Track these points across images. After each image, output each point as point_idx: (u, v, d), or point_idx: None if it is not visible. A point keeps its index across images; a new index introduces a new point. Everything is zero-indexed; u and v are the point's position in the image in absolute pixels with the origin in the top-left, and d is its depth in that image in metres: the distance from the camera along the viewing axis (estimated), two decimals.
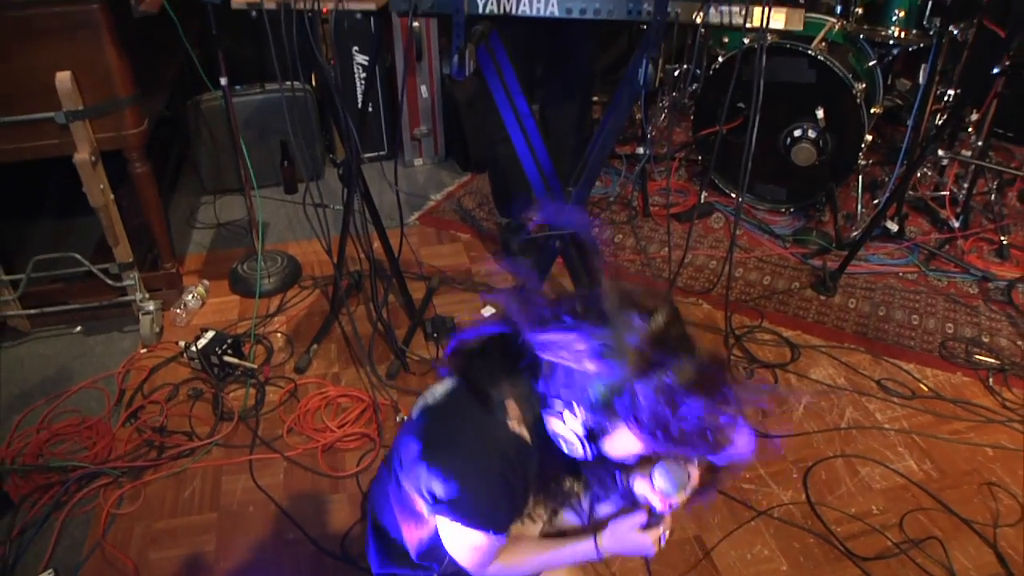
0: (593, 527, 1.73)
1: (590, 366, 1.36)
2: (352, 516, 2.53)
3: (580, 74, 3.41)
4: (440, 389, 1.62)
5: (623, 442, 1.41)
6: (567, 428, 1.42)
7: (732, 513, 2.56)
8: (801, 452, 2.77)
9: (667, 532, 1.63)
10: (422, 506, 1.55)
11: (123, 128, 3.04)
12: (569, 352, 1.38)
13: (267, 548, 2.45)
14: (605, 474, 1.65)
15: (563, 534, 1.77)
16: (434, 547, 1.66)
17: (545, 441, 1.50)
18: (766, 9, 2.07)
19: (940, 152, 3.89)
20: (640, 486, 1.58)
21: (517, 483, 1.53)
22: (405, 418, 2.80)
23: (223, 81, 3.22)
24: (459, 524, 1.50)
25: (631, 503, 1.68)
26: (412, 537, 1.70)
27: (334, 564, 2.40)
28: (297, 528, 2.49)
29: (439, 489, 1.48)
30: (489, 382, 1.52)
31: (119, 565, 2.39)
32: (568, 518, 1.76)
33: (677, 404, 1.32)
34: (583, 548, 1.67)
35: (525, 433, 1.51)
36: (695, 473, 1.59)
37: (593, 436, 1.41)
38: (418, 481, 1.52)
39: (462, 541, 1.55)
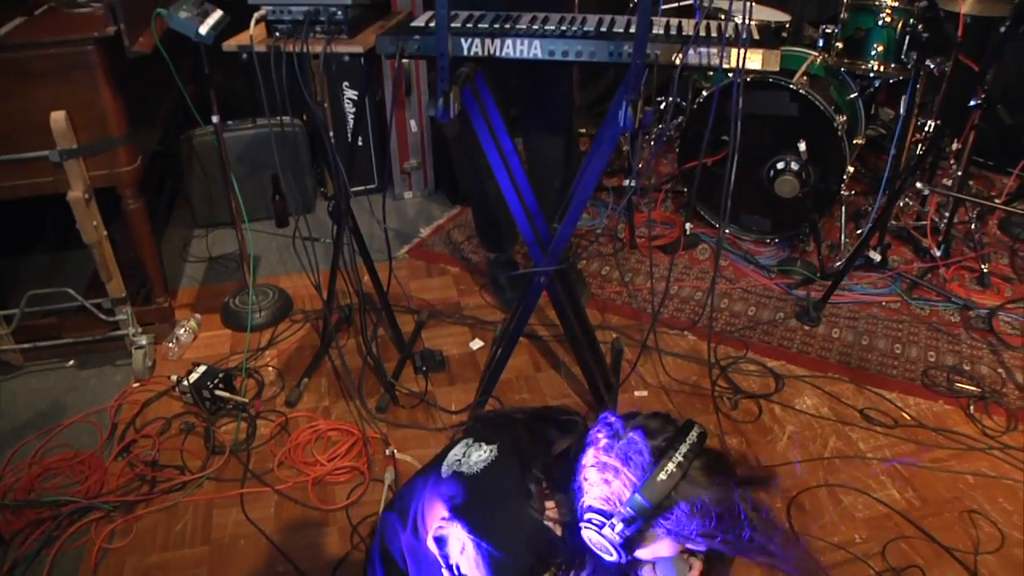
0: None
1: (629, 483, 1.48)
2: (342, 548, 2.55)
3: (559, 112, 3.45)
4: (476, 458, 1.68)
5: (657, 549, 1.52)
6: (603, 540, 1.50)
7: None
8: (785, 482, 2.80)
9: None
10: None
11: (116, 166, 3.08)
12: (616, 472, 1.49)
13: None
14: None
15: None
16: None
17: (575, 541, 1.58)
18: (743, 51, 2.13)
19: (919, 185, 3.95)
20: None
21: (541, 571, 1.60)
22: (396, 453, 2.85)
23: (215, 119, 3.27)
24: None
25: None
26: None
27: None
28: (288, 561, 2.52)
29: (467, 569, 1.54)
30: (534, 477, 1.62)
31: None
32: None
33: (717, 516, 1.45)
34: None
35: (558, 530, 1.60)
36: (697, 566, 1.66)
37: (629, 546, 1.49)
38: (444, 548, 1.57)
39: None
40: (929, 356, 3.43)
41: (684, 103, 4.77)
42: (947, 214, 4.01)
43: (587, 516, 1.51)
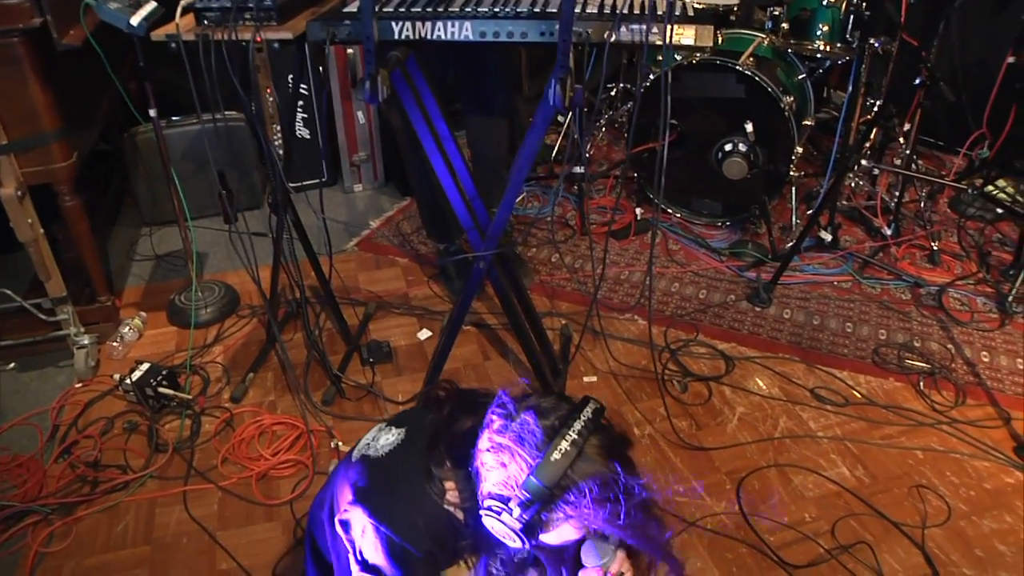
0: None
1: (525, 465, 1.42)
2: (285, 544, 2.51)
3: (500, 103, 3.40)
4: (383, 441, 1.65)
5: (563, 533, 1.46)
6: (504, 527, 1.45)
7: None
8: (734, 463, 2.80)
9: None
10: (352, 562, 1.57)
11: (51, 162, 3.01)
12: (511, 454, 1.44)
13: None
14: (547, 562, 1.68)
15: None
16: None
17: (479, 527, 1.53)
18: (670, 28, 2.10)
19: (865, 163, 3.95)
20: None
21: (445, 560, 1.57)
22: (340, 445, 2.81)
23: (152, 113, 3.20)
24: None
25: None
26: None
27: None
28: (230, 558, 2.47)
29: (368, 553, 1.50)
30: (436, 461, 1.57)
31: None
32: None
33: (616, 496, 1.40)
34: None
35: (459, 515, 1.56)
36: (621, 554, 1.62)
37: (531, 531, 1.44)
38: (349, 532, 1.54)
39: None
40: (880, 334, 3.43)
41: (633, 88, 4.77)
42: (897, 194, 4.02)
43: (486, 503, 1.46)
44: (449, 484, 1.56)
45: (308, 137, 4.63)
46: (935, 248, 3.91)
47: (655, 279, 3.79)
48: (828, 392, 3.10)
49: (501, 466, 1.44)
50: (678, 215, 4.26)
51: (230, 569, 2.45)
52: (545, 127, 2.34)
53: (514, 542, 1.46)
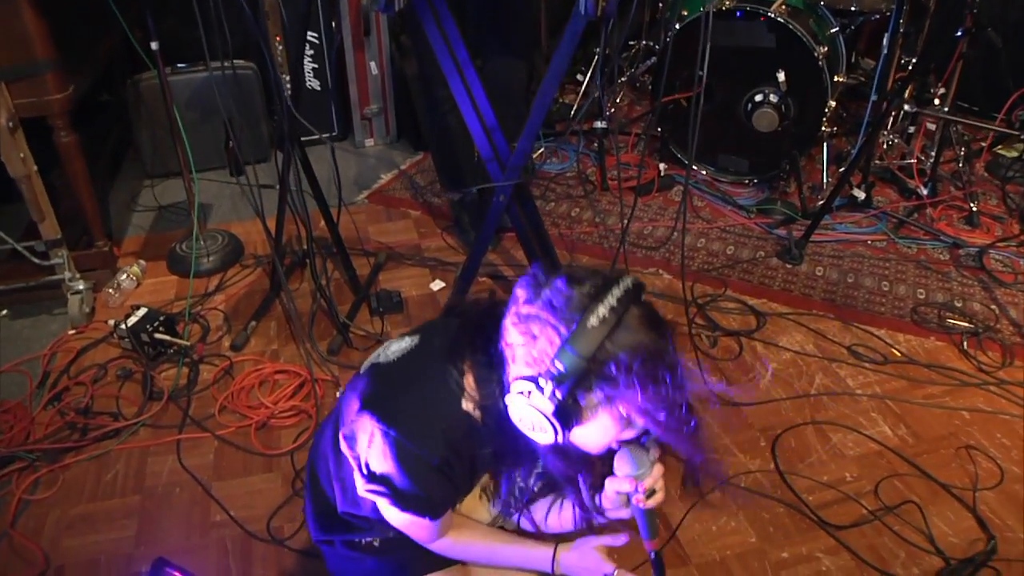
0: (555, 539, 1.58)
1: (556, 335, 1.22)
2: (284, 495, 2.35)
3: (520, 37, 3.22)
4: (395, 347, 1.46)
5: (599, 428, 1.26)
6: (534, 413, 1.24)
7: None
8: (769, 420, 2.62)
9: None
10: (358, 478, 1.38)
11: (45, 93, 2.86)
12: (541, 324, 1.23)
13: (193, 531, 2.26)
14: (563, 476, 1.46)
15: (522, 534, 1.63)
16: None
17: (501, 431, 1.34)
18: None
19: (908, 108, 3.74)
20: (610, 484, 1.43)
21: (462, 470, 1.37)
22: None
23: (154, 46, 3.02)
24: (392, 506, 1.36)
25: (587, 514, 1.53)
26: (351, 501, 1.53)
27: (263, 545, 2.21)
28: (222, 509, 2.31)
29: (376, 463, 1.32)
30: (455, 353, 1.38)
31: (27, 554, 2.19)
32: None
33: (661, 375, 1.21)
34: (537, 557, 1.50)
35: (478, 415, 1.35)
36: (656, 454, 1.42)
37: (565, 416, 1.23)
38: (354, 447, 1.35)
39: (399, 520, 1.40)
40: (919, 293, 3.24)
41: (656, 45, 4.58)
42: (933, 153, 3.82)
43: (513, 387, 1.26)
44: (468, 380, 1.36)
45: (318, 89, 4.44)
46: (974, 209, 3.72)
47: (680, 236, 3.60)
48: (866, 350, 2.92)
49: (530, 339, 1.24)
50: (704, 172, 4.07)
51: (224, 520, 2.28)
52: (574, 42, 2.15)
53: (545, 434, 1.25)
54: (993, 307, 3.15)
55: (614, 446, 1.37)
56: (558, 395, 1.20)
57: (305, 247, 3.26)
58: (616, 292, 1.22)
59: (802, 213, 3.70)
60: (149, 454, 2.51)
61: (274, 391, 2.72)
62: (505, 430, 1.31)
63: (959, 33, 3.54)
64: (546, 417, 1.22)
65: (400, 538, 1.53)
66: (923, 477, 2.40)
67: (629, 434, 1.32)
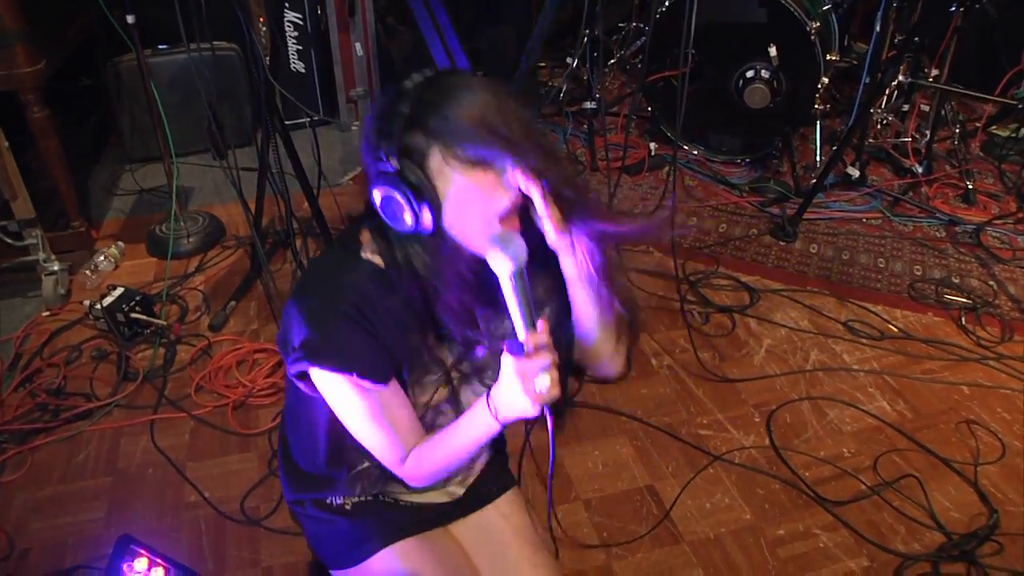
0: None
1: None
2: (260, 474, 2.27)
3: (514, 15, 3.15)
4: None
5: (459, 197, 1.18)
6: (390, 191, 1.17)
7: (688, 460, 2.32)
8: (763, 396, 2.55)
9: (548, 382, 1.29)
10: (288, 368, 1.31)
11: (15, 67, 2.77)
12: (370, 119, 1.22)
13: (166, 512, 2.18)
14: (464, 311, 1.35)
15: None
16: (339, 448, 1.44)
17: (409, 271, 1.27)
18: None
19: (902, 78, 3.66)
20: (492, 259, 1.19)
21: (380, 321, 1.27)
22: None
23: (130, 19, 2.93)
24: (318, 369, 1.26)
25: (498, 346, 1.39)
26: (313, 438, 1.46)
27: (238, 525, 2.13)
28: (195, 490, 2.22)
29: (295, 337, 1.26)
30: (352, 227, 1.35)
31: None
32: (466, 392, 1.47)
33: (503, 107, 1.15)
34: (478, 415, 1.37)
35: (379, 261, 1.29)
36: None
37: (417, 191, 1.15)
38: (284, 340, 1.30)
39: (337, 395, 1.30)
40: (915, 270, 3.17)
41: (646, 27, 4.49)
42: (927, 132, 3.75)
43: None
44: (364, 235, 1.31)
45: (303, 71, 4.35)
46: (970, 187, 3.64)
47: (671, 214, 3.52)
48: (862, 325, 2.85)
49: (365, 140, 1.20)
50: (695, 152, 3.99)
51: (198, 501, 2.20)
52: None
53: (408, 217, 1.17)
54: (991, 283, 3.08)
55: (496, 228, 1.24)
56: (396, 163, 1.15)
57: (285, 227, 3.18)
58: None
59: (795, 191, 3.63)
60: (122, 435, 2.42)
61: (252, 370, 2.64)
62: (411, 266, 1.27)
63: (952, 8, 3.48)
64: (401, 194, 1.16)
65: (371, 502, 1.50)
66: (923, 452, 2.33)
67: (502, 198, 1.20)
